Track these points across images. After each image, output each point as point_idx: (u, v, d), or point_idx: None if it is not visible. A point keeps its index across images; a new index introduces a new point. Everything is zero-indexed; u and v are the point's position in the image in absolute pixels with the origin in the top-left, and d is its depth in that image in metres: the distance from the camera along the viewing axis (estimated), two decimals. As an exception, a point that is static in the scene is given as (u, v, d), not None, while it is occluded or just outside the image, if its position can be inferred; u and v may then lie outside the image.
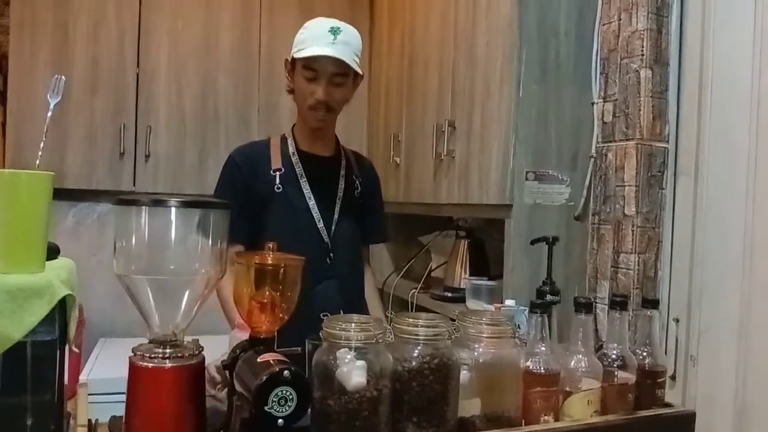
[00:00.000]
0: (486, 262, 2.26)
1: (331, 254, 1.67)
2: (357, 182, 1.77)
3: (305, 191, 1.66)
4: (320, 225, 1.66)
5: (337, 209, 1.69)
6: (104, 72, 2.58)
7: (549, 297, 1.45)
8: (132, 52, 2.62)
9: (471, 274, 2.19)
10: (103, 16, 2.57)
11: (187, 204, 0.88)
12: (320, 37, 1.54)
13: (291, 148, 1.70)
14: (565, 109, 1.86)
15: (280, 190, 1.64)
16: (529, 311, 1.12)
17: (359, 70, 1.63)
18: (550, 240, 1.67)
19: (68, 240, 2.63)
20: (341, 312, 1.59)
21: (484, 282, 2.05)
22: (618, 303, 1.21)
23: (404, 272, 2.77)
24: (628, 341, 1.23)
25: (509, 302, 1.53)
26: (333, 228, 1.67)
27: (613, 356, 1.18)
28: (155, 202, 0.87)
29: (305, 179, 1.66)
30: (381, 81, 2.85)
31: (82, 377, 2.16)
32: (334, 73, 1.58)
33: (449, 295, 2.26)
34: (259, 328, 0.96)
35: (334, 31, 1.55)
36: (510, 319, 1.10)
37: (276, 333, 0.97)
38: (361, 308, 1.74)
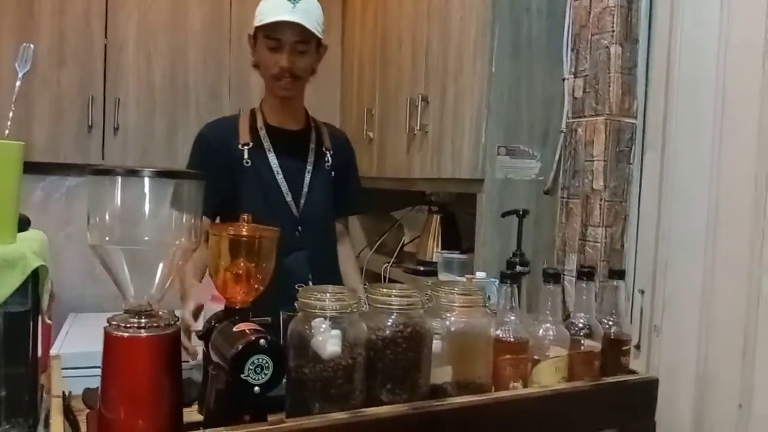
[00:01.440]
0: (458, 235, 2.28)
1: (300, 227, 1.68)
2: (328, 155, 1.77)
3: (273, 165, 1.66)
4: (288, 198, 1.67)
5: (306, 182, 1.70)
6: (71, 43, 2.51)
7: (519, 268, 1.47)
8: (99, 23, 2.55)
9: (443, 248, 2.22)
10: (69, -15, 2.50)
11: (161, 174, 0.88)
12: (280, 6, 1.56)
13: (259, 122, 1.70)
14: (537, 85, 1.87)
15: (249, 164, 1.65)
16: (499, 281, 1.15)
17: (321, 36, 1.63)
18: (521, 213, 1.69)
19: (37, 214, 2.55)
20: (310, 283, 1.60)
21: (456, 255, 2.08)
22: (585, 273, 1.24)
23: (377, 247, 2.79)
24: (595, 311, 1.27)
25: (480, 274, 1.55)
26: (302, 201, 1.69)
27: (580, 325, 1.22)
28: (129, 173, 0.87)
29: (273, 153, 1.67)
30: (354, 55, 2.84)
31: (53, 351, 2.14)
32: (297, 41, 1.58)
33: (422, 268, 2.29)
34: (234, 299, 0.97)
35: (294, 0, 1.56)
36: (481, 289, 1.12)
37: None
38: (334, 280, 1.75)
